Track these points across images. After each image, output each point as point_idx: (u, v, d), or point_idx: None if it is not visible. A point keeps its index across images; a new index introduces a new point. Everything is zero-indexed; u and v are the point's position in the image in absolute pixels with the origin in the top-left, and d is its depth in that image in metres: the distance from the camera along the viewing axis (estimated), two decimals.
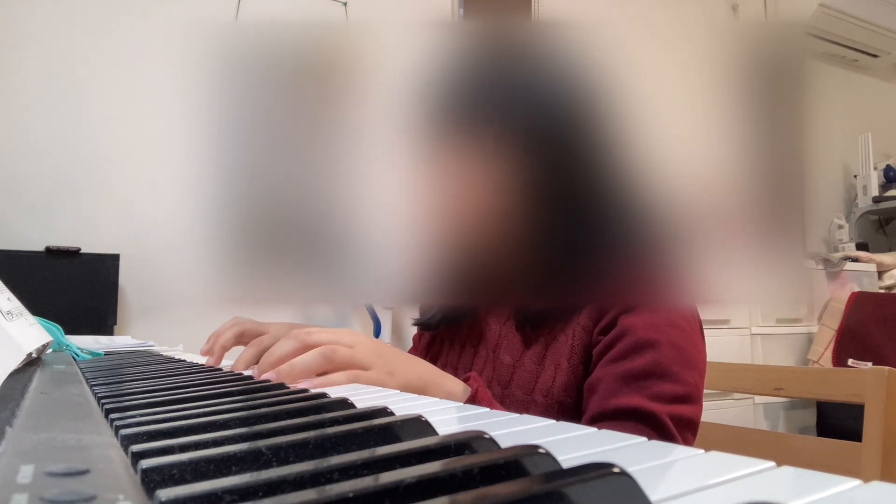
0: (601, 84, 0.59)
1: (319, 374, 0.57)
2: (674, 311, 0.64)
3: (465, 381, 0.60)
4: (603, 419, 0.60)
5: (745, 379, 1.02)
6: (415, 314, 0.87)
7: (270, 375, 0.54)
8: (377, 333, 2.07)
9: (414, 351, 0.86)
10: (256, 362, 0.66)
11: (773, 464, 0.22)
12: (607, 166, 0.60)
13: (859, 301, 2.56)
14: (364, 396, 0.45)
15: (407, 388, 0.56)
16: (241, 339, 0.78)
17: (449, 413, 0.36)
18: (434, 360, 0.80)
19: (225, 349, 0.76)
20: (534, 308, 0.70)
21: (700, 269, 0.56)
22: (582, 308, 0.67)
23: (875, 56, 3.51)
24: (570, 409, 0.65)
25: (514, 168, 0.61)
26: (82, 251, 1.74)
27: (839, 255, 2.91)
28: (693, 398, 0.62)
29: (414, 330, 0.88)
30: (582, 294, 0.65)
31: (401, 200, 0.60)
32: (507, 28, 0.63)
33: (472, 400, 0.58)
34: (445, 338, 0.82)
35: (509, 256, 0.62)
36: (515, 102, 0.60)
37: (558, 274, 0.62)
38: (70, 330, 0.80)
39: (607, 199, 0.60)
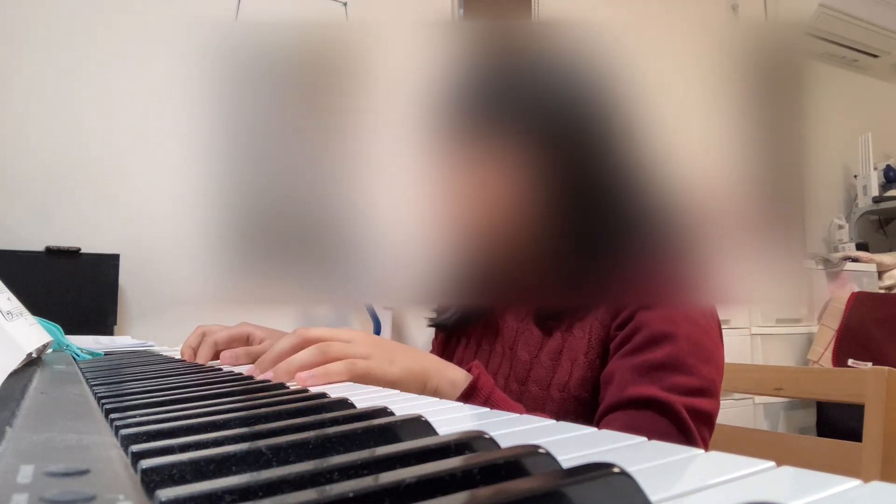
0: (601, 83, 0.59)
1: None
2: (691, 307, 0.64)
3: (468, 370, 0.60)
4: (618, 409, 0.60)
5: (745, 379, 1.02)
6: (416, 315, 0.86)
7: (268, 375, 0.54)
8: (377, 333, 2.07)
9: (432, 352, 0.86)
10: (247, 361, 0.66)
11: (773, 464, 0.22)
12: (615, 165, 0.60)
13: (859, 301, 2.56)
14: (364, 396, 0.45)
15: (408, 375, 0.57)
16: (217, 348, 0.78)
17: (449, 413, 0.36)
18: (450, 359, 0.80)
19: (208, 359, 0.76)
20: (552, 305, 0.70)
21: (702, 268, 0.56)
22: (592, 306, 0.67)
23: (875, 56, 3.51)
24: (587, 403, 0.65)
25: (520, 167, 0.61)
26: (82, 251, 1.74)
27: (839, 255, 2.91)
28: (709, 392, 0.61)
29: (415, 331, 0.88)
30: (595, 293, 0.64)
31: (400, 200, 0.60)
32: (507, 28, 0.63)
33: (474, 387, 0.58)
34: (461, 336, 0.82)
35: (520, 256, 0.62)
36: (518, 102, 0.60)
37: (572, 273, 0.62)
38: (70, 330, 0.80)
39: (615, 198, 0.60)
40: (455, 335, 0.83)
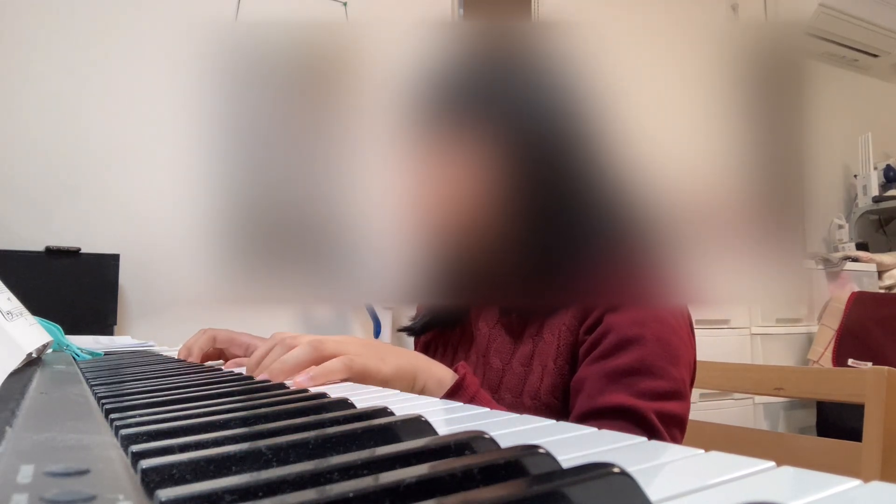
0: (599, 85, 0.59)
1: None
2: (661, 307, 0.64)
3: (455, 370, 0.61)
4: (588, 418, 0.59)
5: (745, 379, 1.02)
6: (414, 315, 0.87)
7: (264, 376, 0.53)
8: (377, 333, 2.07)
9: None
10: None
11: (773, 464, 0.22)
12: (599, 167, 0.60)
13: (859, 301, 2.56)
14: (364, 396, 0.45)
15: (399, 372, 0.57)
16: (214, 343, 0.78)
17: (449, 413, 0.36)
18: None
19: (203, 350, 0.76)
20: (523, 305, 0.69)
21: (700, 268, 0.56)
22: (570, 305, 0.66)
23: (875, 56, 3.51)
24: (558, 411, 0.64)
25: (504, 167, 0.61)
26: (82, 251, 1.74)
27: (839, 255, 2.91)
28: (680, 394, 0.61)
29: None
30: (573, 293, 0.64)
31: (400, 200, 0.60)
32: (507, 29, 0.63)
33: (460, 386, 0.58)
34: (438, 344, 0.82)
35: (500, 255, 0.62)
36: (510, 103, 0.60)
37: (548, 273, 0.61)
38: (70, 330, 0.80)
39: (599, 200, 0.60)
40: (433, 343, 0.83)
